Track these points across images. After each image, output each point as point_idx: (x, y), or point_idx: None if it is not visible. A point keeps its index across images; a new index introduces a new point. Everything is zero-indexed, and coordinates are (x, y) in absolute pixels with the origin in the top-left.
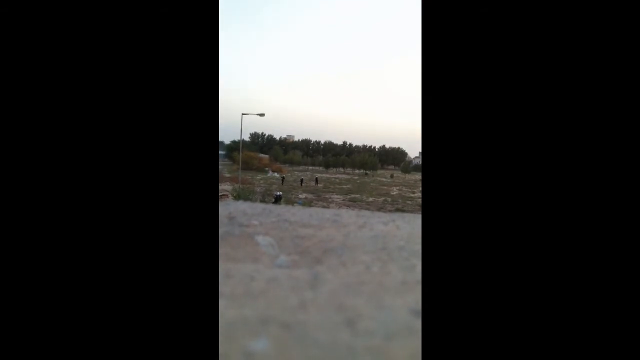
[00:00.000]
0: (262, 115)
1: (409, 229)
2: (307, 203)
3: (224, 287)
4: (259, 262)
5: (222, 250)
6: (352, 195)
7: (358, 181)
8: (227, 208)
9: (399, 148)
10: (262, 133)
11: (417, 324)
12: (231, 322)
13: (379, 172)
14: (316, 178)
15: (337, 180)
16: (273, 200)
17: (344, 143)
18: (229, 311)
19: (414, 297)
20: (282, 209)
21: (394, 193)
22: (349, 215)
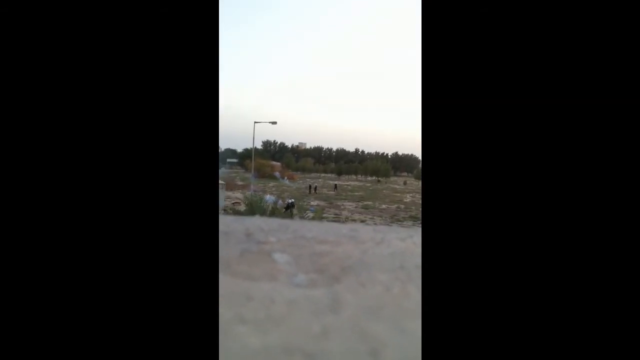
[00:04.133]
0: (274, 123)
1: None
2: (319, 210)
3: (243, 309)
4: (277, 281)
5: (241, 268)
6: (365, 203)
7: (371, 188)
8: (244, 224)
9: (411, 155)
10: (274, 141)
11: None
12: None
13: (392, 178)
14: (335, 184)
15: (349, 187)
16: (285, 207)
17: (356, 150)
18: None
19: None
20: (298, 224)
21: (407, 200)
22: (365, 231)
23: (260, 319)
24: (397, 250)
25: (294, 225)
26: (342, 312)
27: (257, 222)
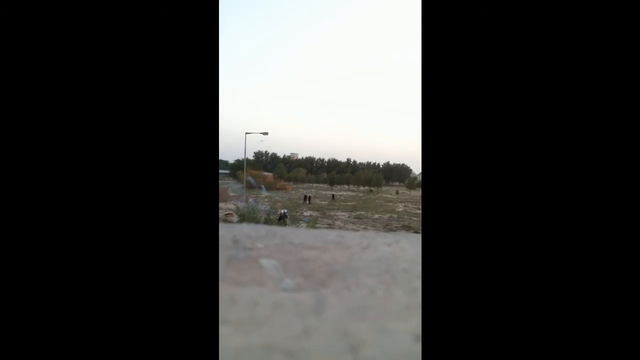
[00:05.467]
0: (265, 134)
1: (412, 250)
2: (313, 221)
3: (228, 312)
4: (264, 286)
5: (228, 274)
6: (358, 212)
7: (363, 198)
8: (232, 231)
9: (403, 164)
10: (266, 151)
11: (419, 348)
12: (236, 349)
13: (384, 188)
14: (332, 195)
15: (341, 197)
16: (278, 218)
17: (348, 160)
18: (235, 338)
19: (418, 322)
20: (285, 230)
21: (400, 209)
22: (352, 237)
23: (243, 321)
24: (383, 255)
25: (282, 231)
26: (325, 314)
27: (245, 229)
